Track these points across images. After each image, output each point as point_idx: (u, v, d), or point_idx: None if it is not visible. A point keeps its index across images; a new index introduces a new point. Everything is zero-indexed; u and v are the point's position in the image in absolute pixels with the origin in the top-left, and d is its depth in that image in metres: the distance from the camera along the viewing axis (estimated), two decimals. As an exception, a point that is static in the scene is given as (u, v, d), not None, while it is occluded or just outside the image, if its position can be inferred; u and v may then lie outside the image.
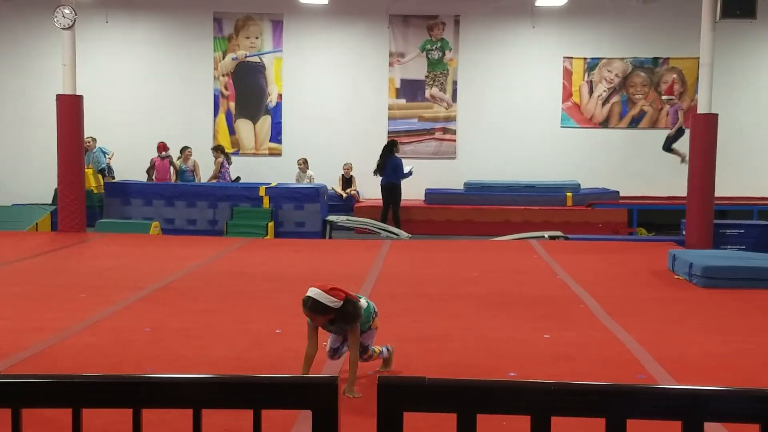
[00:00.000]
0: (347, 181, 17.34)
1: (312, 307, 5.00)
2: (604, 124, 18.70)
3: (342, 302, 5.02)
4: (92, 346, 6.13)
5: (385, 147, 15.75)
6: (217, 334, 6.63)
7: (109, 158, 16.86)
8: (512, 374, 5.56)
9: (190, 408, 1.94)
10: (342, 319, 5.07)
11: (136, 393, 1.94)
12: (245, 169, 17.69)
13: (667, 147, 16.18)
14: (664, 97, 17.58)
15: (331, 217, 14.80)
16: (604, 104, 18.70)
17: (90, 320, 6.99)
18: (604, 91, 18.69)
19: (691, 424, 1.85)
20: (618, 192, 17.23)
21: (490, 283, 9.23)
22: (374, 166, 15.66)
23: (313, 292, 5.03)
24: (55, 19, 13.40)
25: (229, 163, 16.65)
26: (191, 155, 16.54)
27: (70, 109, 13.31)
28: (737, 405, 1.86)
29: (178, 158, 16.42)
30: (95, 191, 15.84)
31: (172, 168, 16.26)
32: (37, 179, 17.76)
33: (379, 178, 15.57)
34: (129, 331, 6.62)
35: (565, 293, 8.64)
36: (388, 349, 5.62)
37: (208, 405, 1.93)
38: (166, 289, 8.55)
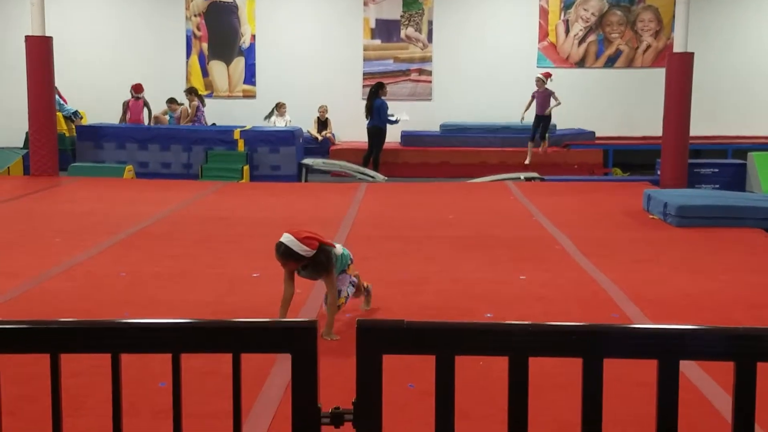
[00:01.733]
0: (323, 123, 17.22)
1: (284, 252, 4.98)
2: (581, 63, 18.62)
3: (315, 251, 4.99)
4: (68, 291, 6.10)
5: (371, 90, 15.55)
6: (194, 278, 6.61)
7: (79, 120, 16.39)
8: (488, 315, 5.60)
9: (170, 353, 1.93)
10: (314, 268, 5.07)
11: (115, 338, 1.93)
12: (219, 112, 17.51)
13: (542, 135, 15.53)
14: (539, 76, 16.46)
15: (307, 161, 14.71)
16: (580, 44, 18.61)
17: (65, 265, 6.94)
18: (581, 30, 18.58)
19: (666, 362, 1.86)
20: (593, 132, 17.24)
21: (466, 225, 9.24)
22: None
23: (286, 238, 5.00)
24: (21, -41, 13.06)
25: (203, 106, 16.45)
26: (178, 106, 16.19)
27: (39, 50, 13.05)
28: (712, 343, 1.88)
29: (165, 112, 16.13)
30: (67, 134, 15.63)
31: (146, 109, 16.04)
32: (7, 123, 17.49)
33: (365, 122, 15.43)
34: (105, 276, 6.59)
35: (541, 234, 8.68)
36: (366, 288, 5.63)
37: (187, 349, 1.93)
38: (141, 234, 8.50)
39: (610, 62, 18.62)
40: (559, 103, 15.25)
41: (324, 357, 4.17)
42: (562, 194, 11.90)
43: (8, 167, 13.76)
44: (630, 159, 16.67)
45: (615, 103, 18.38)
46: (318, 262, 5.04)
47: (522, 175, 14.13)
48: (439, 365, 1.89)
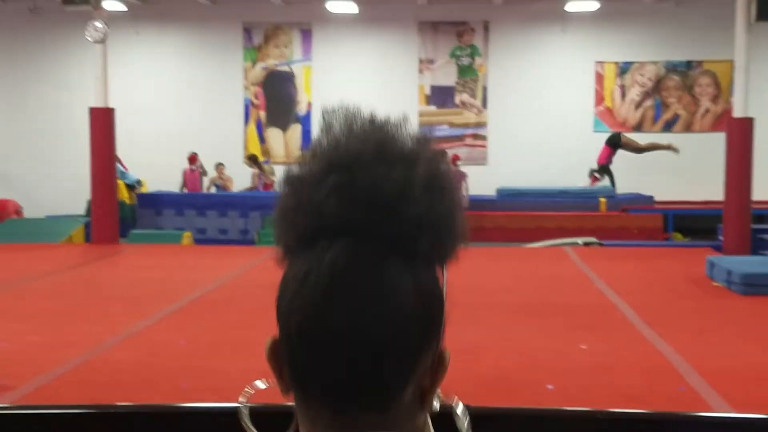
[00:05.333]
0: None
1: None
2: (637, 128, 18.51)
3: None
4: (128, 361, 6.12)
5: None
6: (250, 347, 6.58)
7: (140, 188, 16.77)
8: (550, 387, 5.47)
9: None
10: None
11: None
12: (277, 177, 17.74)
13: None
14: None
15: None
16: (636, 108, 18.53)
17: (125, 334, 7.00)
18: (637, 95, 18.52)
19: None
20: (652, 197, 17.04)
21: (524, 291, 9.14)
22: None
23: None
24: (87, 33, 13.50)
25: (263, 172, 16.66)
26: (224, 170, 16.56)
27: (102, 121, 13.41)
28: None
29: (213, 178, 16.48)
30: (128, 202, 15.94)
31: (204, 178, 16.34)
32: (69, 191, 17.89)
33: None
34: (164, 345, 6.62)
35: (601, 301, 8.53)
36: None
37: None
38: (199, 301, 8.56)
39: (668, 126, 18.48)
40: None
41: None
42: (621, 259, 11.72)
43: (70, 235, 14.05)
44: (690, 223, 16.38)
45: (674, 168, 18.16)
46: None
47: (580, 240, 13.97)
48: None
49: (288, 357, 0.83)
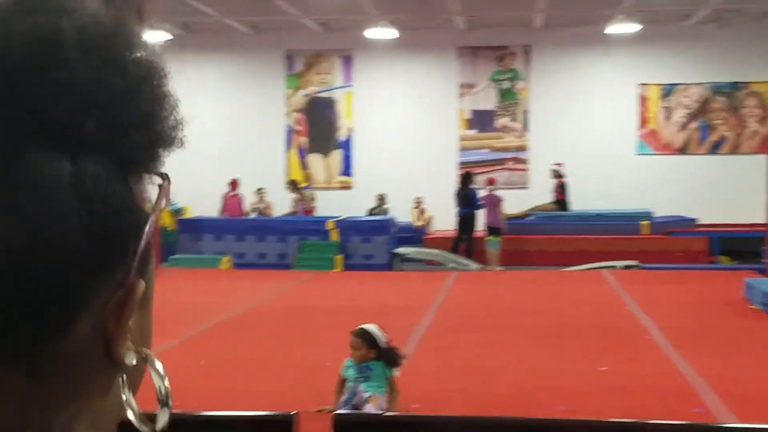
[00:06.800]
0: (420, 213, 17.35)
1: (361, 334, 5.24)
2: (683, 150, 18.23)
3: (391, 346, 5.24)
4: (145, 379, 6.15)
5: (463, 178, 15.76)
6: (269, 368, 6.63)
7: (184, 214, 17.01)
8: (561, 408, 5.38)
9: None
10: (386, 358, 5.18)
11: None
12: (317, 203, 17.80)
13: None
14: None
15: (400, 250, 14.74)
16: (681, 130, 18.26)
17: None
18: (682, 117, 18.25)
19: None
20: (695, 219, 16.72)
21: (554, 314, 9.01)
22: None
23: (369, 325, 5.31)
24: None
25: (303, 197, 16.76)
26: (265, 196, 16.74)
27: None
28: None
29: (254, 204, 16.69)
30: (169, 229, 16.13)
31: (244, 203, 16.50)
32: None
33: (454, 210, 15.54)
34: (184, 366, 6.66)
35: (631, 324, 8.38)
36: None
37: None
38: (226, 323, 8.62)
39: (714, 148, 18.16)
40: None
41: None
42: (660, 283, 11.52)
43: (113, 259, 14.25)
44: (738, 246, 16.00)
45: (719, 190, 17.83)
46: (391, 357, 5.20)
47: (619, 264, 13.75)
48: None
49: None
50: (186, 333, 8.00)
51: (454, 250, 15.11)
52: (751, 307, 9.23)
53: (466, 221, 15.30)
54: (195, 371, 6.48)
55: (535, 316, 8.89)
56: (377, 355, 5.23)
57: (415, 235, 16.70)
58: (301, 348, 7.34)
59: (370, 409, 4.90)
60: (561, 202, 17.15)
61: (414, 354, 6.85)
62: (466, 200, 15.31)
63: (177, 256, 14.31)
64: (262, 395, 5.77)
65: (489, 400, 5.57)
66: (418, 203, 17.28)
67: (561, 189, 17.15)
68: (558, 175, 17.11)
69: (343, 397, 5.10)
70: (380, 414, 1.85)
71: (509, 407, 5.36)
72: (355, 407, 5.01)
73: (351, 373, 5.20)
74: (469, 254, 15.08)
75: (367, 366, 5.17)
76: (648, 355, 6.90)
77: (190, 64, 18.87)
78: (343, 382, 5.21)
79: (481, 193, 15.64)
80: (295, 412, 1.82)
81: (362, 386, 5.06)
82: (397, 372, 5.28)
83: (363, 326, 5.30)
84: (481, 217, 15.50)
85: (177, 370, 6.41)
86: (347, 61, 18.77)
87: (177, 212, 16.71)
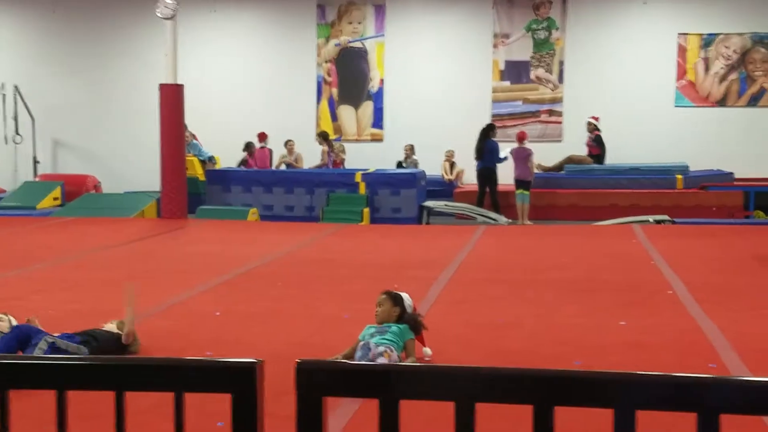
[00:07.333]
0: (451, 167, 17.20)
1: (391, 294, 5.30)
2: (722, 102, 17.83)
3: (416, 312, 5.37)
4: (160, 330, 6.18)
5: (482, 131, 15.53)
6: (286, 318, 6.62)
7: (213, 164, 17.01)
8: (577, 363, 5.31)
9: (112, 390, 1.87)
10: (409, 322, 5.18)
11: (62, 375, 1.89)
12: (348, 155, 17.74)
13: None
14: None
15: (429, 203, 14.65)
16: (721, 82, 17.83)
17: (165, 304, 7.10)
18: (722, 68, 17.81)
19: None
20: (732, 174, 16.40)
21: (579, 268, 8.90)
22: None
23: (401, 292, 5.40)
24: (157, 9, 13.72)
25: (333, 149, 16.67)
26: (294, 147, 16.72)
27: (171, 98, 13.61)
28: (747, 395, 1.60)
29: (283, 156, 16.66)
30: (201, 179, 16.18)
31: (272, 156, 16.48)
32: (148, 167, 18.30)
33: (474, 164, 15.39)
34: (199, 316, 6.69)
35: (656, 279, 8.24)
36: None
37: (129, 387, 1.86)
38: (247, 275, 8.62)
39: (754, 101, 17.74)
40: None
41: (274, 397, 3.99)
42: (689, 238, 11.32)
43: (143, 210, 14.36)
44: (773, 201, 15.71)
45: (758, 144, 17.44)
46: (413, 322, 5.22)
47: (651, 218, 13.55)
48: (382, 409, 1.74)
49: None
50: (206, 283, 8.03)
51: (479, 204, 14.99)
52: (782, 262, 9.05)
53: (483, 175, 15.15)
54: (210, 321, 6.49)
55: (559, 270, 8.78)
56: (400, 315, 5.20)
57: (445, 188, 16.60)
58: (318, 300, 7.32)
59: (383, 361, 4.82)
60: (597, 156, 16.91)
61: (431, 308, 6.81)
62: (484, 153, 15.15)
63: (205, 207, 14.35)
64: (277, 345, 5.75)
65: (502, 354, 5.51)
66: (449, 157, 17.14)
67: (597, 143, 16.89)
68: (594, 128, 16.84)
69: (357, 354, 5.02)
70: (345, 362, 1.79)
71: (521, 361, 5.29)
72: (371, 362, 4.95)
73: (368, 332, 5.15)
74: (496, 208, 14.95)
75: (388, 326, 5.13)
76: (669, 311, 6.78)
77: (222, 14, 18.80)
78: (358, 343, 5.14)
79: (509, 147, 15.44)
80: (259, 360, 1.78)
81: (373, 341, 5.00)
82: (428, 351, 5.27)
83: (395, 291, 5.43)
84: (501, 171, 15.33)
85: (192, 320, 6.46)
86: (380, 10, 18.54)
87: (209, 161, 16.75)
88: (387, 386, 1.74)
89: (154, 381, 1.87)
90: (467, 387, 1.70)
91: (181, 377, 1.85)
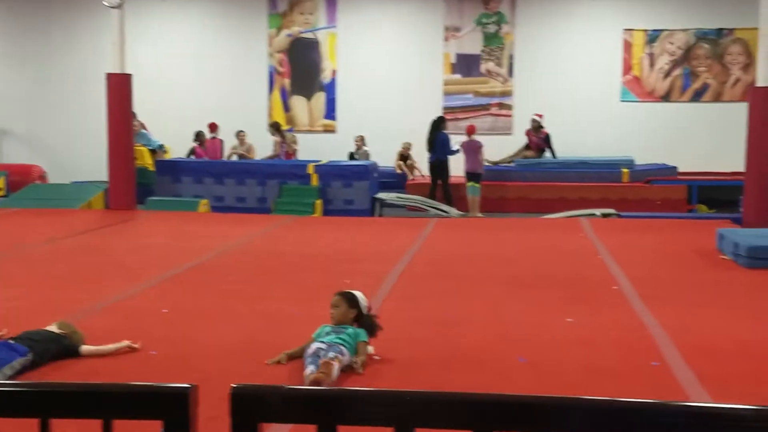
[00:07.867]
0: (404, 158, 17.23)
1: (346, 295, 5.29)
2: (666, 97, 18.13)
3: (372, 314, 5.36)
4: (102, 328, 6.08)
5: (433, 123, 15.61)
6: (233, 315, 6.59)
7: (164, 153, 16.85)
8: (522, 360, 5.38)
9: (36, 417, 1.82)
10: (366, 326, 5.21)
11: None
12: (300, 146, 17.69)
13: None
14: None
15: (381, 195, 14.68)
16: (665, 77, 18.12)
17: (109, 301, 7.02)
18: (666, 63, 18.10)
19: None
20: (676, 168, 16.71)
21: (527, 263, 9.00)
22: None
23: (356, 292, 5.39)
24: (104, -2, 13.52)
25: (285, 140, 16.61)
26: (246, 138, 16.63)
27: (118, 87, 13.45)
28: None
29: (234, 147, 16.56)
30: (151, 168, 16.00)
31: (223, 147, 16.37)
32: (95, 157, 18.04)
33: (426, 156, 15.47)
34: (145, 313, 6.62)
35: (601, 274, 8.38)
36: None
37: (54, 415, 1.81)
38: (195, 269, 8.56)
39: (697, 96, 18.06)
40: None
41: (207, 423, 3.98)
42: (635, 232, 11.51)
43: (90, 201, 14.17)
44: (716, 195, 16.03)
45: (701, 138, 17.78)
46: (370, 324, 5.25)
47: (598, 212, 13.75)
48: (320, 436, 1.75)
49: None
50: (154, 278, 7.96)
51: (431, 196, 15.08)
52: (722, 257, 9.24)
53: (435, 167, 15.25)
54: (156, 319, 6.43)
55: (507, 265, 8.88)
56: (356, 317, 5.22)
57: (398, 180, 16.64)
58: (268, 295, 7.30)
59: (335, 366, 4.78)
60: (541, 152, 17.14)
61: (382, 303, 6.84)
62: (436, 146, 15.25)
63: (154, 198, 14.21)
64: (224, 345, 5.73)
65: (449, 351, 5.56)
66: (406, 149, 17.17)
67: (546, 142, 17.07)
68: (538, 126, 17.01)
69: (307, 360, 4.93)
70: (282, 387, 1.79)
71: (468, 360, 5.35)
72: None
73: (323, 330, 5.14)
74: (448, 200, 15.04)
75: (345, 327, 5.13)
76: (614, 307, 6.90)
77: (172, 3, 18.58)
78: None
79: (460, 140, 15.54)
80: (192, 384, 1.77)
81: (327, 339, 4.97)
82: (370, 348, 5.25)
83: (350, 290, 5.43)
84: (453, 163, 15.43)
85: (137, 318, 6.39)
86: (332, 1, 18.49)
87: (155, 151, 16.56)
88: (325, 411, 1.75)
89: (81, 407, 1.81)
90: (406, 412, 1.72)
91: (110, 403, 1.80)
